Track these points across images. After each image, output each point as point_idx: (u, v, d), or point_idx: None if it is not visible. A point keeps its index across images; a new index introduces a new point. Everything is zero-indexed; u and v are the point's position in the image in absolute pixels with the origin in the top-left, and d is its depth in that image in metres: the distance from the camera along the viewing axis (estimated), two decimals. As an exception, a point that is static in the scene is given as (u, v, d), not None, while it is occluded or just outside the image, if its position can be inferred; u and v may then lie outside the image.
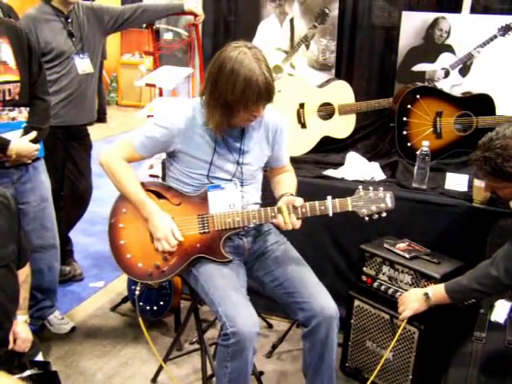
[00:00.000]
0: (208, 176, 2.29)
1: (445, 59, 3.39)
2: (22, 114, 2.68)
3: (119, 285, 3.69)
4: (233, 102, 2.09)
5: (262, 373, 2.77)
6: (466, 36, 3.31)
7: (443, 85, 3.40)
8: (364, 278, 2.76)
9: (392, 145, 3.38)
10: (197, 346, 2.74)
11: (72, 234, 3.74)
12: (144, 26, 4.08)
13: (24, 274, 2.26)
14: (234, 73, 2.06)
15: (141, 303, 3.12)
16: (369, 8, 3.54)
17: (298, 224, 2.23)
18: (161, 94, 3.68)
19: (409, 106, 3.23)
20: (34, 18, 3.08)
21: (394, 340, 2.51)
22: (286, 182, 2.47)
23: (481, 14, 3.31)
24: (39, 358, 2.28)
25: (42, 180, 2.87)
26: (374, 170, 3.22)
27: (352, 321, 2.79)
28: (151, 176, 3.42)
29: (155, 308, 3.13)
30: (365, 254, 2.75)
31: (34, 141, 2.70)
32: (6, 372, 1.85)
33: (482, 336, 2.27)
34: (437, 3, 3.47)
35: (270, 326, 3.28)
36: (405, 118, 3.24)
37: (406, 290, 2.52)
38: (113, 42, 8.84)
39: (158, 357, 2.61)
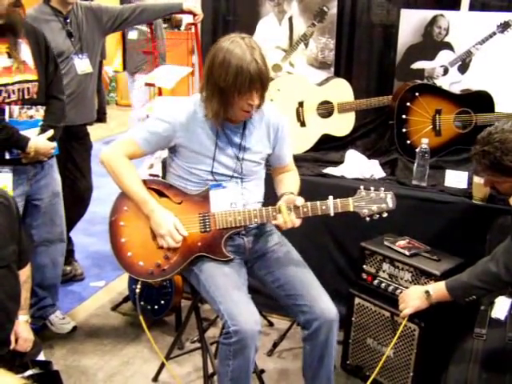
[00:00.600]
0: (212, 172, 2.30)
1: (444, 56, 3.39)
2: (38, 113, 2.72)
3: (120, 284, 3.69)
4: (227, 88, 2.12)
5: (263, 371, 2.77)
6: (465, 33, 3.31)
7: (442, 82, 3.40)
8: (364, 275, 2.76)
9: (391, 142, 3.38)
10: (198, 344, 2.74)
11: (73, 234, 3.74)
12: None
13: (25, 274, 2.26)
14: (225, 60, 2.10)
15: (142, 302, 3.12)
16: (367, 6, 3.54)
17: (297, 222, 2.23)
18: (160, 94, 3.67)
19: (408, 104, 3.23)
20: (33, 19, 3.07)
21: (395, 337, 2.51)
22: (288, 182, 2.48)
23: (479, 12, 3.31)
24: (41, 357, 2.28)
25: (55, 177, 2.95)
26: (373, 168, 3.23)
27: (353, 318, 2.80)
28: (151, 175, 3.42)
29: (156, 307, 3.13)
30: (365, 251, 2.75)
31: (51, 139, 2.75)
32: (8, 371, 1.86)
33: (482, 332, 2.28)
34: (435, 1, 3.47)
35: (270, 324, 3.29)
36: (404, 116, 3.24)
37: (407, 288, 2.53)
38: (111, 41, 8.81)
39: (159, 355, 2.61)
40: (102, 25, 3.37)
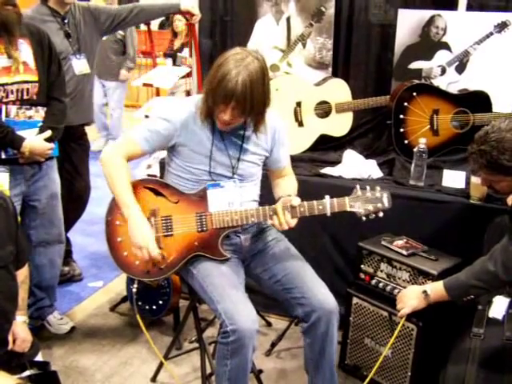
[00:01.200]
0: (210, 172, 2.30)
1: (441, 57, 3.40)
2: (38, 114, 2.72)
3: (118, 284, 3.69)
4: (210, 93, 2.15)
5: (261, 371, 2.77)
6: (463, 33, 3.31)
7: (440, 82, 3.41)
8: (362, 275, 2.77)
9: (389, 142, 3.39)
10: (196, 344, 2.74)
11: (70, 235, 3.74)
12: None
13: (23, 274, 2.26)
14: (219, 67, 2.12)
15: (140, 302, 3.12)
16: (365, 6, 3.53)
17: (293, 223, 2.24)
18: (158, 94, 3.68)
19: (405, 104, 3.23)
20: (30, 19, 3.07)
21: (393, 337, 2.51)
22: (286, 185, 2.49)
23: (477, 12, 3.31)
24: (39, 358, 2.28)
25: (54, 178, 2.95)
26: (371, 168, 3.23)
27: (351, 318, 2.80)
28: (149, 176, 3.42)
29: (154, 307, 3.13)
30: (362, 251, 2.75)
31: (49, 140, 2.74)
32: (6, 372, 1.86)
33: (480, 332, 2.28)
34: (433, 1, 3.47)
35: (268, 324, 3.29)
36: (402, 116, 3.25)
37: (404, 287, 2.53)
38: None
39: (158, 355, 2.61)
40: (100, 25, 3.37)
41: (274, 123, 2.40)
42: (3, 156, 2.65)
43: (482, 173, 2.16)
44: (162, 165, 3.18)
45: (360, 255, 2.76)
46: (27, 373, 2.08)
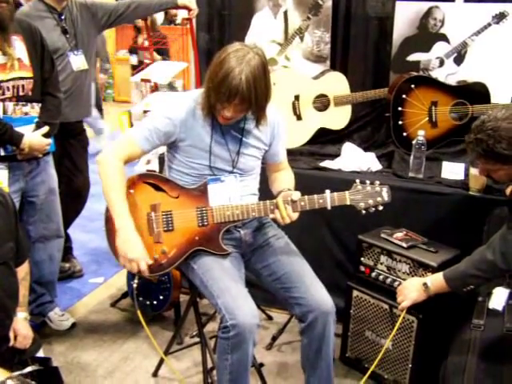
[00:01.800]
0: (210, 166, 2.30)
1: (439, 48, 3.39)
2: (34, 110, 2.73)
3: (119, 280, 3.70)
4: (212, 90, 2.12)
5: (262, 364, 2.78)
6: (460, 25, 3.30)
7: (438, 74, 3.40)
8: (362, 268, 2.77)
9: (388, 135, 3.38)
10: (197, 339, 2.74)
11: (71, 231, 3.75)
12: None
13: (23, 271, 2.26)
14: (220, 63, 2.09)
15: (140, 298, 3.13)
16: (363, -2, 3.53)
17: (294, 216, 2.24)
18: (156, 89, 3.67)
19: (404, 96, 3.23)
20: (27, 15, 3.07)
21: (394, 330, 2.52)
22: (284, 179, 2.49)
23: (475, 3, 3.30)
24: (40, 354, 2.29)
25: (52, 173, 2.96)
26: (370, 161, 3.23)
27: (351, 311, 2.81)
28: (148, 171, 3.42)
29: (155, 302, 3.14)
30: (362, 244, 2.76)
31: (46, 135, 2.75)
32: (8, 369, 1.87)
33: (480, 323, 2.28)
34: (430, -8, 3.46)
35: (269, 317, 3.30)
36: (400, 108, 3.24)
37: (404, 280, 2.53)
38: (108, 38, 8.79)
39: (158, 350, 2.61)
40: (97, 21, 3.36)
41: (274, 117, 2.40)
42: (2, 153, 2.65)
43: (480, 162, 2.16)
44: (161, 160, 3.18)
45: (360, 248, 2.77)
46: (29, 369, 2.08)
